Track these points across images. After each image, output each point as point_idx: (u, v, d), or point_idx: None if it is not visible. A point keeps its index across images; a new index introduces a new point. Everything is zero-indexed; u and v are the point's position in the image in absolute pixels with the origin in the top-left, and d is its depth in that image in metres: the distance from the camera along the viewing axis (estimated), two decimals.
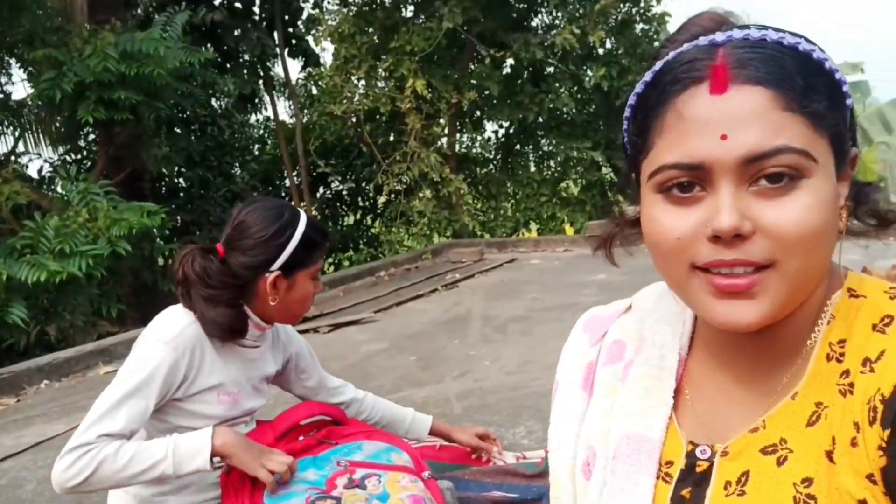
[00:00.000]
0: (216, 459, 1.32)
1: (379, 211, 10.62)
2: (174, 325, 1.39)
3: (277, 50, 8.60)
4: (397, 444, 1.63)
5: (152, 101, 6.45)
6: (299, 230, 1.47)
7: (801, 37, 0.53)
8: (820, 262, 0.54)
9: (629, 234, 0.67)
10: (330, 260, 10.69)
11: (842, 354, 0.55)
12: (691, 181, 0.53)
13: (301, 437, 1.55)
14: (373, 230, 10.61)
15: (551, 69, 8.93)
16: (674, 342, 0.67)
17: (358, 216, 11.45)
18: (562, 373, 0.75)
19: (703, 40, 0.53)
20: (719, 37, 0.53)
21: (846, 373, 0.54)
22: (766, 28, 0.54)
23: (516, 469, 2.06)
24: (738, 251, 0.52)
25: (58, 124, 7.63)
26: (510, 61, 8.92)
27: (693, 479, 0.60)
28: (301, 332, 5.09)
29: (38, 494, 2.51)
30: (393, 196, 8.70)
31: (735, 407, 0.60)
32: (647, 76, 0.56)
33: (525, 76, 9.15)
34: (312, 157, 8.55)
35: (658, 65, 0.55)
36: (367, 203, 11.21)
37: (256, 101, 10.10)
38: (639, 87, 0.57)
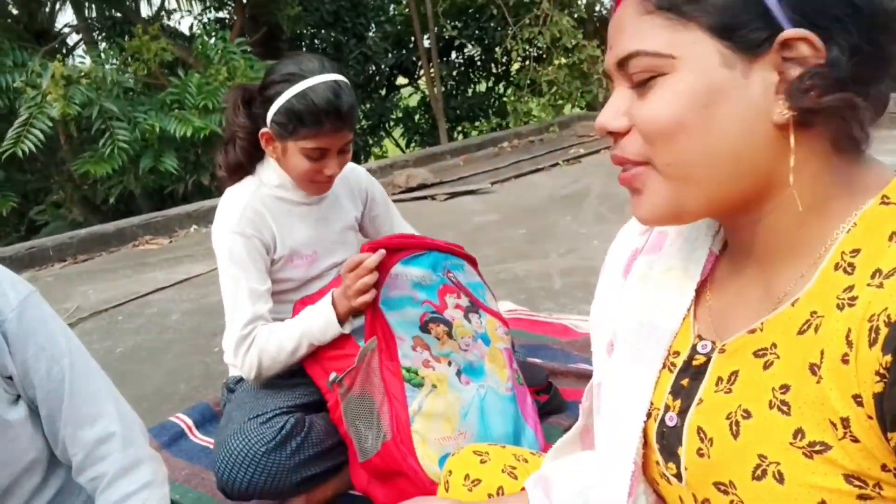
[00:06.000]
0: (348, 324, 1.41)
1: (511, 78, 10.27)
2: (231, 211, 1.44)
3: None
4: (488, 287, 1.60)
5: None
6: (286, 94, 1.34)
7: None
8: (699, 156, 0.54)
9: None
10: (459, 129, 10.64)
11: (851, 265, 0.52)
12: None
13: None
14: (503, 98, 10.33)
15: None
16: (706, 237, 0.66)
17: (490, 83, 11.16)
18: (610, 255, 0.78)
19: None
20: None
21: (851, 287, 0.51)
22: None
23: None
24: (618, 147, 0.59)
25: None
26: None
27: (692, 371, 0.62)
28: (418, 198, 5.19)
29: (181, 324, 2.87)
30: (525, 63, 8.33)
31: (744, 308, 0.61)
32: None
33: None
34: (441, 19, 8.26)
35: None
36: (498, 70, 10.85)
37: None
38: None
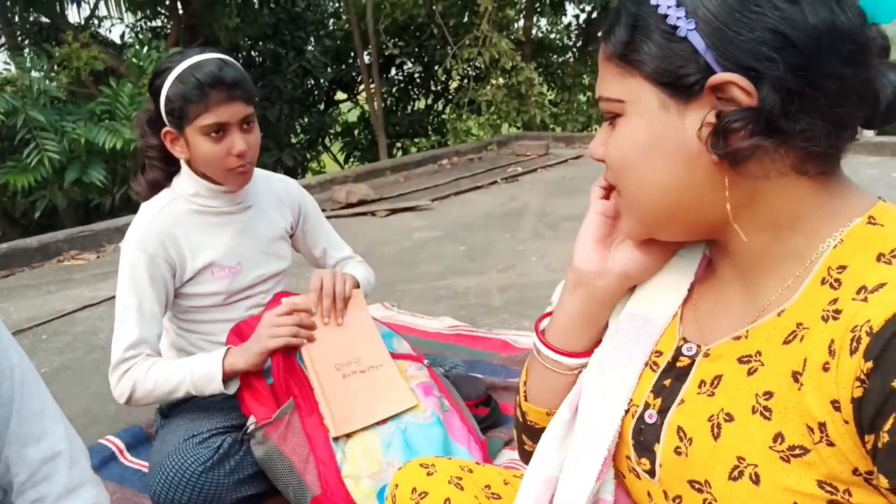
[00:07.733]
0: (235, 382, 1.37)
1: (450, 97, 10.39)
2: (138, 226, 1.40)
3: None
4: (397, 332, 1.65)
5: None
6: (169, 79, 1.32)
7: None
8: (642, 192, 0.61)
9: None
10: (398, 145, 10.67)
11: (837, 281, 0.54)
12: None
13: None
14: (443, 116, 10.44)
15: None
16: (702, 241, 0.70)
17: (429, 101, 11.24)
18: None
19: None
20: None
21: (835, 300, 0.53)
22: None
23: None
24: (607, 173, 0.67)
25: None
26: None
27: (675, 373, 0.64)
28: (358, 214, 5.14)
29: (110, 342, 2.76)
30: (465, 82, 8.46)
31: (729, 314, 0.63)
32: None
33: None
34: (382, 36, 8.30)
35: None
36: (438, 88, 10.96)
37: None
38: None
